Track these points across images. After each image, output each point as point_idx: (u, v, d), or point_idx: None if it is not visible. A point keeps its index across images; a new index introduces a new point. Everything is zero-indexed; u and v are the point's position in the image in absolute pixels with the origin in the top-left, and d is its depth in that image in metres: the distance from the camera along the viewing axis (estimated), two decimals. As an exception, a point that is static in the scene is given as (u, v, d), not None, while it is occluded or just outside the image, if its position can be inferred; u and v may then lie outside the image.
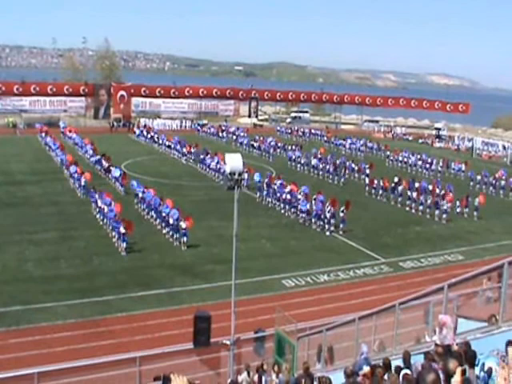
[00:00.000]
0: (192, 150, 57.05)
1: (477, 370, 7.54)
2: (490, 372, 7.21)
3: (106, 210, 33.15)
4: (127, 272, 27.24)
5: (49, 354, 18.92)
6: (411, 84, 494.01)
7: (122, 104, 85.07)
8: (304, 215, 36.72)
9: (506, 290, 11.51)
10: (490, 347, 8.32)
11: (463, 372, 5.42)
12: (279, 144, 65.76)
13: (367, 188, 46.30)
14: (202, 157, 53.26)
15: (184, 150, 58.12)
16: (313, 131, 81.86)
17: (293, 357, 16.33)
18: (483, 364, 7.58)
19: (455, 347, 9.78)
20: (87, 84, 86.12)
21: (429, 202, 41.04)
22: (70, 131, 66.78)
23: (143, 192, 37.13)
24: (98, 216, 34.99)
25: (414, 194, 42.18)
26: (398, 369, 9.74)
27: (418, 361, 9.82)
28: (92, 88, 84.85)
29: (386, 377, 9.59)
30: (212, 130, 78.08)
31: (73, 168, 43.67)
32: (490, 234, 37.00)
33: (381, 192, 44.70)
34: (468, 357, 7.57)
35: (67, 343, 20.01)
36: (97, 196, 35.42)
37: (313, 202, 36.87)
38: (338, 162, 53.28)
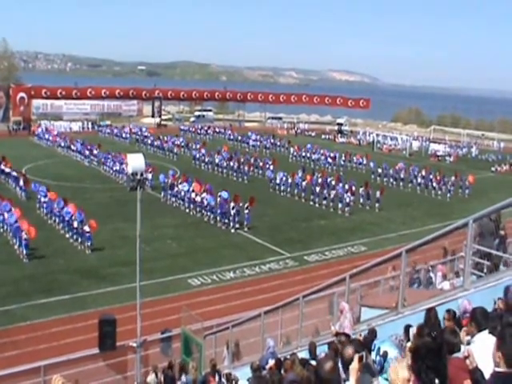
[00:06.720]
0: (95, 152, 56.01)
1: (373, 354, 7.80)
2: (385, 355, 7.48)
3: (5, 215, 32.06)
4: (30, 279, 26.39)
5: None
6: (313, 81, 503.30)
7: (22, 106, 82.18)
8: (209, 213, 36.73)
9: (405, 277, 11.95)
10: (391, 333, 8.61)
11: (360, 358, 5.55)
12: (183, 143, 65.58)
13: (271, 184, 46.75)
14: (104, 158, 52.44)
15: (87, 151, 56.97)
16: (216, 129, 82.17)
17: (200, 355, 16.37)
18: (379, 348, 7.85)
19: (358, 335, 10.09)
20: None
21: (332, 195, 41.83)
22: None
23: (45, 196, 36.19)
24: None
25: (318, 189, 42.92)
26: (304, 360, 9.93)
27: (323, 351, 10.05)
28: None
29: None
30: (115, 130, 77.00)
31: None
32: (391, 225, 38.19)
33: (286, 188, 45.23)
34: (367, 343, 7.82)
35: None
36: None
37: (218, 199, 36.87)
38: (242, 159, 53.55)
